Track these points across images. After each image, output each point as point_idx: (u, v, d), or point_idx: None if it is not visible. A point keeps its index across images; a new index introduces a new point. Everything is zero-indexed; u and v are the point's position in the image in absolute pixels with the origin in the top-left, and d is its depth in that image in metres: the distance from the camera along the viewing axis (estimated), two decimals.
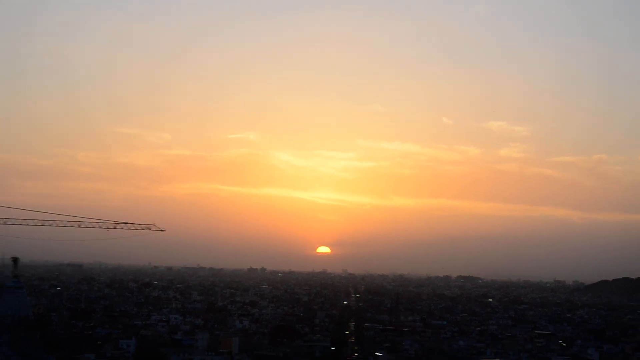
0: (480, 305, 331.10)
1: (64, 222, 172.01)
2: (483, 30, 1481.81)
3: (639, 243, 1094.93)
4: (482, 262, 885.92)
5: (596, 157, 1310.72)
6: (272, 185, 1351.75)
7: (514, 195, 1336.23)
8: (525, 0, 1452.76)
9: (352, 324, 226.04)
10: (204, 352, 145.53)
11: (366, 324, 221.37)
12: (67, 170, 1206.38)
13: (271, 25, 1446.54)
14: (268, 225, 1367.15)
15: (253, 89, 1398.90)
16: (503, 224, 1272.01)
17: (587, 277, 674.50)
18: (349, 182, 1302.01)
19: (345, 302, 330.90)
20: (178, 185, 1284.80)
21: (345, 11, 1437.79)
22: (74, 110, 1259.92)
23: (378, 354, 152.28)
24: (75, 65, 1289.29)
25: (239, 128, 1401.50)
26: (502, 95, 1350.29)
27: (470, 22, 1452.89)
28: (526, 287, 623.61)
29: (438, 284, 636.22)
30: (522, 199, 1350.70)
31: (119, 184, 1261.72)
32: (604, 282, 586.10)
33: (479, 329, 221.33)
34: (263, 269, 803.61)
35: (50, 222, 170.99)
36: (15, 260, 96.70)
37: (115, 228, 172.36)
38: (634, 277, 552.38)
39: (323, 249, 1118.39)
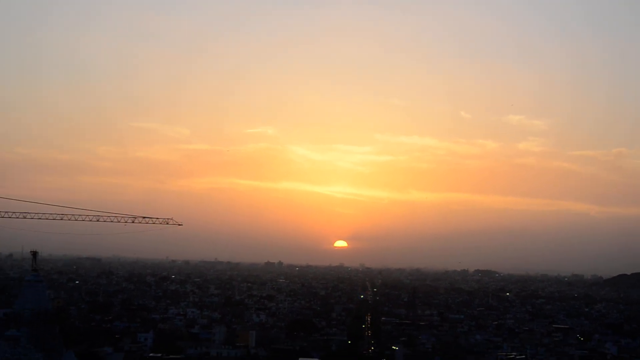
0: (498, 299, 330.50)
1: (83, 216, 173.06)
2: (501, 24, 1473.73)
3: None
4: (500, 256, 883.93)
5: (616, 151, 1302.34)
6: (289, 180, 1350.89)
7: (532, 189, 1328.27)
8: None
9: (368, 318, 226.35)
10: (221, 346, 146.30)
11: (383, 318, 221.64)
12: (86, 164, 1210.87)
13: (289, 18, 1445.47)
14: (285, 220, 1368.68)
15: (271, 83, 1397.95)
16: (521, 218, 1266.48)
17: (605, 271, 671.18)
18: (366, 176, 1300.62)
19: (362, 296, 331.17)
20: (196, 180, 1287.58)
21: (363, 5, 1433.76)
22: (93, 105, 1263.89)
23: (395, 348, 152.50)
24: (93, 60, 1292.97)
25: (256, 122, 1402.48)
26: (521, 89, 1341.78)
27: (488, 16, 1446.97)
28: (544, 281, 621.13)
29: (455, 278, 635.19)
30: (541, 193, 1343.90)
31: (137, 178, 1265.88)
32: (622, 276, 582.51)
33: (496, 323, 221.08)
34: (280, 263, 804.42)
35: (69, 216, 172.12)
36: (34, 254, 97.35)
37: (133, 222, 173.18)
38: None
39: (340, 243, 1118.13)
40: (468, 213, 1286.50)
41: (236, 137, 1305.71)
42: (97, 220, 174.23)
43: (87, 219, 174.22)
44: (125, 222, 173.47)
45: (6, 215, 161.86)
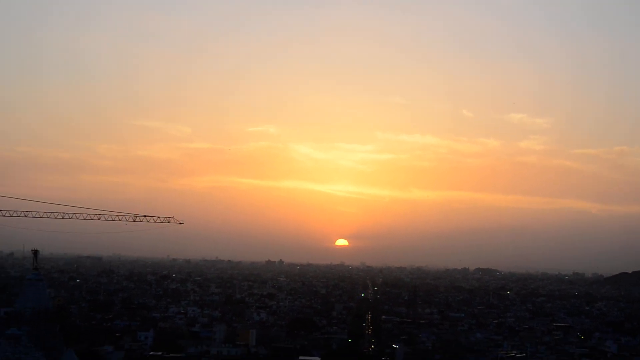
0: (498, 298, 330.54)
1: (84, 214, 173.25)
2: (502, 23, 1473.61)
3: None
4: (501, 254, 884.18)
5: (617, 149, 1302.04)
6: (291, 178, 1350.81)
7: (534, 188, 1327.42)
8: None
9: (369, 317, 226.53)
10: (221, 344, 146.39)
11: (383, 317, 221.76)
12: (87, 163, 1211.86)
13: (290, 18, 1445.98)
14: (286, 218, 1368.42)
15: (273, 82, 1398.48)
16: (523, 216, 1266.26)
17: (606, 270, 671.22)
18: (367, 174, 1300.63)
19: (362, 295, 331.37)
20: (197, 178, 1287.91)
21: (365, 4, 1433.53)
22: (94, 103, 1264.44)
23: (395, 346, 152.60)
24: (94, 58, 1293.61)
25: (258, 121, 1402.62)
26: (522, 88, 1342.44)
27: (489, 15, 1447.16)
28: (544, 279, 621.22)
29: (456, 276, 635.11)
30: (543, 192, 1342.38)
31: (139, 176, 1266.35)
32: (623, 275, 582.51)
33: (496, 321, 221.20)
34: (281, 262, 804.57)
35: (70, 214, 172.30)
36: (35, 252, 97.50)
37: (134, 221, 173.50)
38: None
39: (341, 242, 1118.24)
40: (469, 211, 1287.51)
41: (238, 135, 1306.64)
42: (98, 219, 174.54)
43: (88, 217, 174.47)
44: (126, 220, 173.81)
45: (7, 214, 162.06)
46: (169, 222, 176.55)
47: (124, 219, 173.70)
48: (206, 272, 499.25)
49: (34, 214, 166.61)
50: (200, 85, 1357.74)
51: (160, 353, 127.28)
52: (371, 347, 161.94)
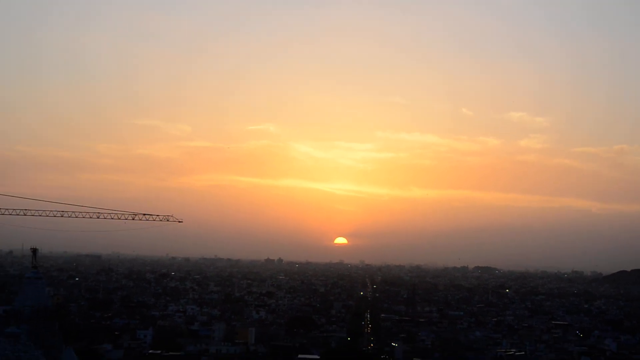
0: (497, 296, 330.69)
1: (83, 213, 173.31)
2: (501, 22, 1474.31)
3: None
4: (500, 252, 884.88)
5: (617, 148, 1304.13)
6: (290, 177, 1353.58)
7: (533, 186, 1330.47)
8: None
9: (368, 315, 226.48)
10: (220, 343, 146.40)
11: (382, 315, 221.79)
12: (87, 162, 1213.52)
13: (290, 18, 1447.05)
14: (286, 217, 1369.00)
15: (273, 81, 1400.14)
16: (522, 214, 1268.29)
17: (605, 268, 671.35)
18: (367, 173, 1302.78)
19: (361, 293, 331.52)
20: (197, 177, 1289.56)
21: (365, 4, 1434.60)
22: (94, 102, 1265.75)
23: (394, 344, 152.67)
24: (94, 57, 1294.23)
25: (258, 120, 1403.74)
26: (522, 86, 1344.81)
27: (488, 15, 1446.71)
28: (543, 277, 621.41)
29: (455, 274, 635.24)
30: (542, 190, 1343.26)
31: (138, 175, 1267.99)
32: (622, 273, 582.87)
33: (495, 319, 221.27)
34: (280, 260, 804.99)
35: (69, 213, 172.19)
36: (34, 251, 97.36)
37: (133, 219, 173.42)
38: None
39: (340, 240, 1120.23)
40: (469, 210, 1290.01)
41: (238, 134, 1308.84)
42: (97, 218, 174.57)
43: (87, 216, 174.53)
44: (126, 219, 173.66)
45: (7, 213, 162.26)
46: (168, 221, 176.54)
47: (123, 217, 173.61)
48: (205, 270, 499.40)
49: (33, 212, 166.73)
50: (200, 84, 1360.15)
51: (159, 351, 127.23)
52: (370, 346, 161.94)
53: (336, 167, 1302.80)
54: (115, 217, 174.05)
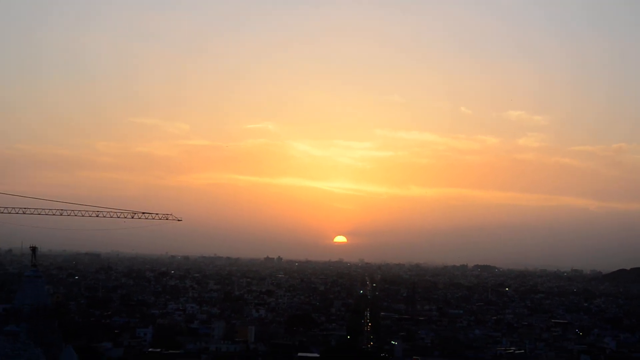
0: (497, 295, 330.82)
1: (82, 211, 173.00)
2: (500, 21, 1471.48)
3: None
4: (499, 251, 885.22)
5: (615, 146, 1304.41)
6: (289, 175, 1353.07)
7: (532, 185, 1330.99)
8: None
9: (368, 313, 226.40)
10: (220, 341, 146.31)
11: (382, 313, 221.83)
12: (86, 160, 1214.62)
13: (289, 17, 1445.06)
14: (285, 215, 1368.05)
15: (271, 80, 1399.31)
16: (521, 213, 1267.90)
17: (605, 266, 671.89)
18: (366, 171, 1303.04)
19: (361, 291, 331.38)
20: (196, 175, 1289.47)
21: (364, 3, 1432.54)
22: (93, 101, 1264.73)
23: (394, 342, 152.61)
24: (93, 56, 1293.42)
25: (256, 118, 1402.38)
26: (521, 85, 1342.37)
27: (488, 14, 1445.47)
28: (543, 276, 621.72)
29: (454, 273, 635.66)
30: (541, 189, 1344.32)
31: (137, 173, 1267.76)
32: (621, 271, 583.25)
33: (495, 318, 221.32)
34: (279, 258, 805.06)
35: (68, 211, 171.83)
36: (33, 249, 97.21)
37: (132, 218, 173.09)
38: None
39: (339, 239, 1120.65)
40: (468, 208, 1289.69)
41: (236, 133, 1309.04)
42: (97, 216, 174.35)
43: (87, 214, 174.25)
44: (125, 217, 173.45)
45: (6, 211, 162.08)
46: (167, 219, 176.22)
47: (122, 216, 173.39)
48: (205, 268, 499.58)
49: (32, 210, 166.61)
50: (198, 83, 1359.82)
51: (159, 349, 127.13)
52: (370, 344, 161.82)
53: (335, 165, 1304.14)
54: (115, 215, 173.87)
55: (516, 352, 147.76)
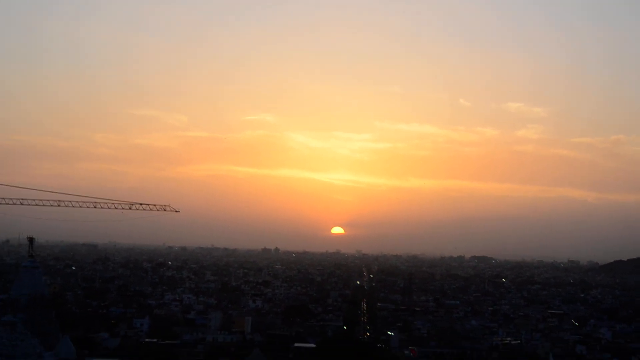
0: (494, 286, 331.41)
1: (80, 202, 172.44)
2: (499, 12, 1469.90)
3: None
4: (497, 242, 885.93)
5: (614, 138, 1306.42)
6: (287, 167, 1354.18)
7: (530, 176, 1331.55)
8: None
9: (364, 304, 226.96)
10: (217, 331, 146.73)
11: (379, 304, 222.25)
12: (84, 151, 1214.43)
13: (288, 7, 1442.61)
14: (282, 206, 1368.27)
15: (270, 71, 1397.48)
16: (519, 204, 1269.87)
17: (601, 257, 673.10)
18: (365, 163, 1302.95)
19: (358, 282, 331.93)
20: (194, 167, 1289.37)
21: None
22: (92, 92, 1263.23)
23: (390, 333, 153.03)
24: (92, 47, 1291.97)
25: (255, 110, 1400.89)
26: (520, 77, 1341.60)
27: (487, 5, 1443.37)
28: (540, 267, 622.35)
29: (451, 264, 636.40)
30: (539, 180, 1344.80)
31: (136, 165, 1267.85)
32: (618, 262, 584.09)
33: (491, 308, 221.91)
34: (277, 250, 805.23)
35: (66, 202, 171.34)
36: (31, 240, 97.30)
37: (130, 209, 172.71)
38: None
39: (337, 230, 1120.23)
40: (466, 200, 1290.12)
41: (235, 124, 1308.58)
42: (94, 207, 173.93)
43: (84, 205, 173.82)
44: (123, 209, 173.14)
45: (3, 202, 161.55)
46: (165, 210, 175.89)
47: (120, 207, 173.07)
48: (202, 259, 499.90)
49: (30, 201, 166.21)
50: (197, 74, 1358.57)
51: (155, 340, 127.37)
52: (366, 334, 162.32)
53: (334, 157, 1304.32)
54: (112, 206, 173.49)
55: (512, 342, 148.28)
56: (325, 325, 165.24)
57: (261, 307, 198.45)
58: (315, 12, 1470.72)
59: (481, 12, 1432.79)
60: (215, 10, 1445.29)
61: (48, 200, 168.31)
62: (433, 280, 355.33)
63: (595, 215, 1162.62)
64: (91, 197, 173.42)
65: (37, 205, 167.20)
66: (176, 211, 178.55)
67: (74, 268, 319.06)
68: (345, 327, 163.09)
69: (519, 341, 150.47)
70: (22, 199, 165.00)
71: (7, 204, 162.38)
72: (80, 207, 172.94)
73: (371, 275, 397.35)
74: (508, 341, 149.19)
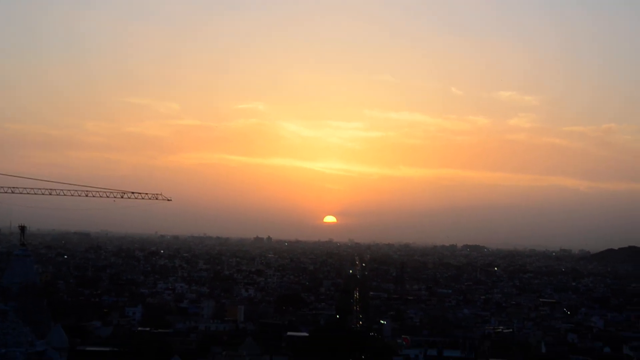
0: (486, 274, 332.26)
1: (72, 191, 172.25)
2: (491, 1, 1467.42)
3: None
4: (489, 231, 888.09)
5: (605, 126, 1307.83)
6: (279, 155, 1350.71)
7: (522, 165, 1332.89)
8: None
9: (357, 293, 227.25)
10: (209, 320, 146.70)
11: (371, 293, 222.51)
12: (76, 140, 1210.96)
13: None
14: (275, 195, 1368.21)
15: (262, 60, 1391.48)
16: (511, 193, 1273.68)
17: (593, 246, 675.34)
18: (356, 152, 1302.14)
19: (350, 271, 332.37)
20: (186, 155, 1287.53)
21: None
22: (84, 80, 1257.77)
23: (383, 322, 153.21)
24: (85, 35, 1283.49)
25: (247, 98, 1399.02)
26: (512, 65, 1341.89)
27: None
28: (532, 256, 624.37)
29: (444, 253, 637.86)
30: (531, 169, 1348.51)
31: (128, 153, 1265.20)
32: (610, 251, 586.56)
33: (483, 297, 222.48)
34: (269, 238, 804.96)
35: (57, 191, 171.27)
36: (22, 228, 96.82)
37: (122, 197, 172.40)
38: None
39: (329, 219, 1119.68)
40: (458, 188, 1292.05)
41: (227, 112, 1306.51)
42: (86, 196, 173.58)
43: (76, 194, 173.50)
44: (115, 197, 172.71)
45: None
46: (157, 199, 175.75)
47: (112, 195, 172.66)
48: (194, 248, 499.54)
49: (21, 190, 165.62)
50: (189, 62, 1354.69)
51: (148, 329, 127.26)
52: (359, 323, 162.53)
53: (325, 146, 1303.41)
54: (104, 195, 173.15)
55: (504, 331, 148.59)
56: (318, 314, 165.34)
57: (254, 296, 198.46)
58: (307, 1, 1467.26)
59: (473, 1, 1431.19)
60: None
61: (40, 189, 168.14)
62: (425, 269, 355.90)
63: (587, 203, 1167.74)
64: (83, 185, 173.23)
65: (28, 193, 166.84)
66: (168, 200, 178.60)
67: (65, 257, 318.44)
68: (337, 316, 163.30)
69: (511, 330, 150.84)
70: (14, 188, 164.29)
71: None
72: (72, 195, 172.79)
73: (363, 264, 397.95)
74: (500, 330, 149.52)
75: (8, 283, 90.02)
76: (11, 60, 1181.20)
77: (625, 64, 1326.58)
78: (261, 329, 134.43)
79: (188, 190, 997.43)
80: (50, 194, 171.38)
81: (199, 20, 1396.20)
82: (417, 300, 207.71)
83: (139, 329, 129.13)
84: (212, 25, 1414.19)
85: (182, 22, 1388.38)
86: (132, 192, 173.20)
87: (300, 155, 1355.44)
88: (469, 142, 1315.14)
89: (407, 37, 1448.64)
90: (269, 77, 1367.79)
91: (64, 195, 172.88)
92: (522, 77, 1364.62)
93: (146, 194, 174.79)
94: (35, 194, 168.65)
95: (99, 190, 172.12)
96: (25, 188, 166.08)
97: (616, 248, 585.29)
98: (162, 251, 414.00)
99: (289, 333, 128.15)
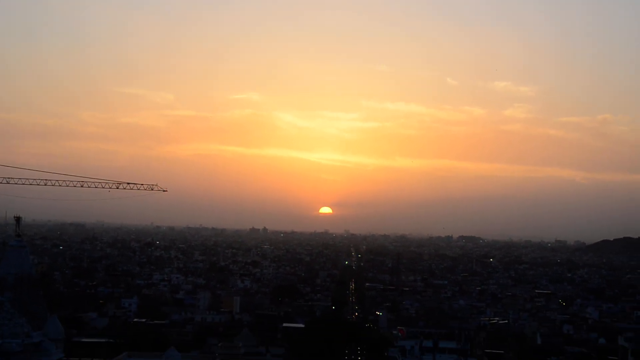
0: (481, 265, 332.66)
1: (67, 181, 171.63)
2: None
3: None
4: (484, 222, 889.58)
5: (601, 117, 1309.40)
6: (275, 146, 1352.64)
7: (518, 156, 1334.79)
8: None
9: (353, 284, 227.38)
10: (205, 311, 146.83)
11: (367, 284, 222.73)
12: (71, 130, 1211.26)
13: None
14: (271, 186, 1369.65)
15: (257, 50, 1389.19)
16: (506, 184, 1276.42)
17: (588, 237, 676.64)
18: (352, 142, 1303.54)
19: (346, 262, 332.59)
20: (182, 146, 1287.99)
21: None
22: (80, 70, 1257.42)
23: (379, 313, 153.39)
24: (81, 25, 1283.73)
25: (242, 89, 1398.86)
26: (507, 56, 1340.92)
27: None
28: (527, 247, 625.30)
29: (439, 244, 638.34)
30: (527, 160, 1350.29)
31: (123, 144, 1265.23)
32: (605, 242, 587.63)
33: (479, 288, 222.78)
34: (265, 229, 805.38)
35: (53, 181, 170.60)
36: (18, 219, 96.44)
37: (117, 188, 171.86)
38: (635, 237, 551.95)
39: (325, 210, 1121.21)
40: (453, 179, 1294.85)
41: (222, 103, 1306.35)
42: (82, 186, 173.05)
43: (72, 184, 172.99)
44: (110, 188, 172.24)
45: None
46: (152, 190, 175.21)
47: (107, 186, 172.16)
48: (190, 239, 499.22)
49: (16, 180, 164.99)
50: (185, 53, 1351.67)
51: (144, 319, 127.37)
52: (355, 314, 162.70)
53: (321, 136, 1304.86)
54: (100, 185, 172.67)
55: (500, 322, 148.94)
56: (314, 305, 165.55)
57: (250, 287, 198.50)
58: None
59: None
60: None
61: (35, 179, 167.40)
62: (421, 260, 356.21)
63: (583, 194, 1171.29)
64: (78, 176, 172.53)
65: (23, 184, 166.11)
66: (164, 191, 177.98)
67: (61, 247, 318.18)
68: (333, 307, 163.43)
69: (506, 321, 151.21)
70: (8, 178, 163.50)
71: None
72: (67, 186, 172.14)
73: (359, 255, 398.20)
74: (496, 321, 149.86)
75: (3, 274, 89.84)
76: (7, 50, 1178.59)
77: (620, 54, 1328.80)
78: (257, 320, 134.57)
79: (184, 181, 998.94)
80: (45, 185, 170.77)
81: (194, 11, 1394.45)
82: (413, 291, 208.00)
83: (135, 320, 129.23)
84: (207, 16, 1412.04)
85: (178, 13, 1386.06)
86: (128, 183, 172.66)
87: (296, 145, 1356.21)
88: (465, 133, 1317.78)
89: (403, 27, 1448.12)
90: (264, 67, 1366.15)
91: (60, 185, 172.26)
92: (518, 67, 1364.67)
93: (142, 184, 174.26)
94: (30, 184, 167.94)
95: (94, 180, 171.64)
96: (20, 178, 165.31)
97: (611, 239, 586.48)
98: (157, 242, 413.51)
99: (285, 324, 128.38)
